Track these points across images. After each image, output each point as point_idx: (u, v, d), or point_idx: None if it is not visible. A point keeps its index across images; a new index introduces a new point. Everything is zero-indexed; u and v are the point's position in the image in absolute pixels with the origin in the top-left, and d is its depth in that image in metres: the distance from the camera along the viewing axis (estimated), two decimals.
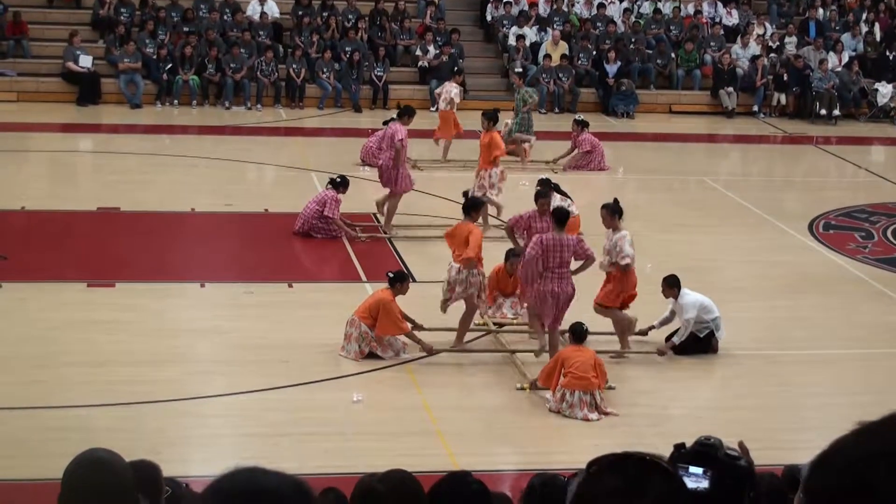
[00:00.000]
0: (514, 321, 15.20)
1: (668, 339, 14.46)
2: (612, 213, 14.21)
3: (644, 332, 14.67)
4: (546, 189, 15.14)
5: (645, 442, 11.45)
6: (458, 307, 14.22)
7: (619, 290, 14.16)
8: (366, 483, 4.69)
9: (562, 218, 13.56)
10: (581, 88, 30.34)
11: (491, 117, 19.13)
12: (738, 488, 3.54)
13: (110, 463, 4.23)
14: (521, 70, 27.44)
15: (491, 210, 18.52)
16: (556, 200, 16.28)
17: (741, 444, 3.93)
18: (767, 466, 7.91)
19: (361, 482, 4.72)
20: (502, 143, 19.35)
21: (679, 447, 3.61)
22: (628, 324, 14.38)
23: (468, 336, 14.49)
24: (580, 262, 13.60)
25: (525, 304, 14.47)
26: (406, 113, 18.95)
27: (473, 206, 14.57)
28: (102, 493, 4.11)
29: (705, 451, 3.55)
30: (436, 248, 17.47)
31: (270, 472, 2.43)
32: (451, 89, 23.51)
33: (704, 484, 3.48)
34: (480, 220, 16.04)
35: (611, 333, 14.41)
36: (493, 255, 15.53)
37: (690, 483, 3.45)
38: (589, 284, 14.10)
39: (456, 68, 25.29)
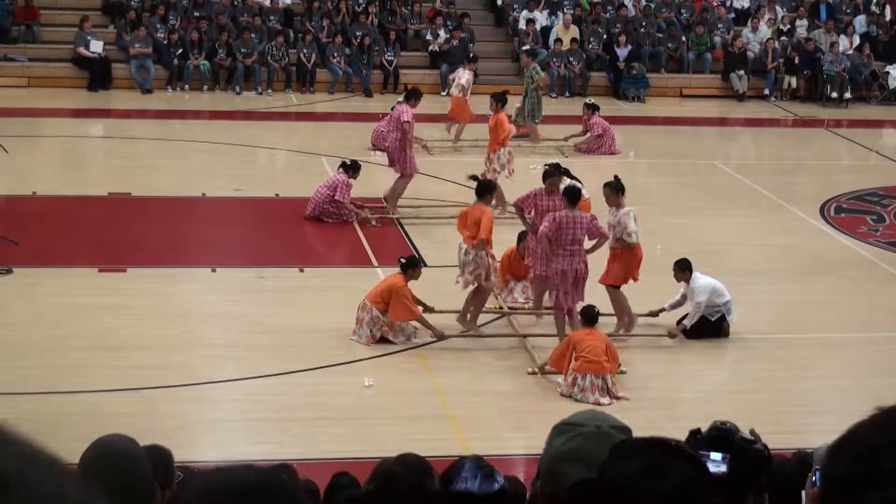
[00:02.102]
0: (526, 305, 15.19)
1: (680, 321, 14.45)
2: (616, 190, 14.20)
3: (655, 314, 14.68)
4: (555, 170, 15.06)
5: (657, 426, 11.41)
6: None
7: (624, 269, 14.16)
8: (385, 466, 4.70)
9: (573, 196, 13.56)
10: (592, 72, 30.26)
11: (499, 99, 19.09)
12: (755, 472, 3.54)
13: (128, 451, 4.19)
14: (528, 48, 27.35)
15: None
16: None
17: (752, 432, 3.92)
18: (779, 450, 7.89)
19: (381, 467, 4.72)
20: (508, 125, 19.31)
21: (695, 433, 3.61)
22: (629, 319, 14.34)
23: (481, 319, 14.49)
24: (594, 241, 13.61)
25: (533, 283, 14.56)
26: (413, 96, 18.85)
27: (487, 189, 14.51)
28: (120, 482, 4.08)
29: (722, 436, 3.55)
30: (447, 233, 17.45)
31: (241, 469, 2.28)
32: (462, 75, 23.45)
33: (723, 468, 3.48)
34: (494, 202, 15.95)
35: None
36: (506, 239, 15.51)
37: (710, 468, 3.45)
38: (596, 262, 14.06)
39: (472, 55, 25.09)
